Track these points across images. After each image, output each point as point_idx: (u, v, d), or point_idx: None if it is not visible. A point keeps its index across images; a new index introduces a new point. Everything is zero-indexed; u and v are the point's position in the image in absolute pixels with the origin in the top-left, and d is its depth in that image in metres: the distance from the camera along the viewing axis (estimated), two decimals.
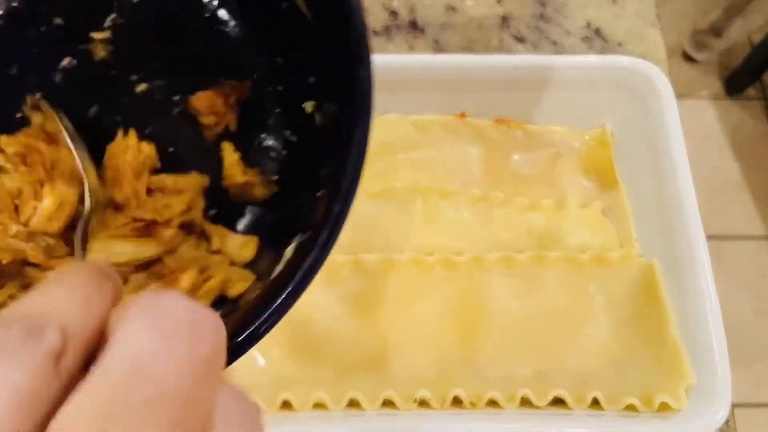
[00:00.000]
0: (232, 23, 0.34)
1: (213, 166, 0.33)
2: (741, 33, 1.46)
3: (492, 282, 0.51)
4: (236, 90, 0.33)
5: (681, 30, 1.55)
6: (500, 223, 0.54)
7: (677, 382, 0.45)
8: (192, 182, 0.32)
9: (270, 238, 0.31)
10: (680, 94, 0.52)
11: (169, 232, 0.30)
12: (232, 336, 0.24)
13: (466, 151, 0.56)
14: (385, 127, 0.56)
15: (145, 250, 0.30)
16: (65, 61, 0.33)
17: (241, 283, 0.30)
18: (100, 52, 0.34)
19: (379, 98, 0.56)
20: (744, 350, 1.29)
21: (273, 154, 0.33)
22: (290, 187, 0.32)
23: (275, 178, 0.32)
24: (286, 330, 0.49)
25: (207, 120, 0.33)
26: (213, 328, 0.18)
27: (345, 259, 0.50)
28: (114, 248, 0.29)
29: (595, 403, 0.46)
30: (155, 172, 0.32)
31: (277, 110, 0.33)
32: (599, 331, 0.49)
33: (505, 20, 0.65)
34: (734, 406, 0.46)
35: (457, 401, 0.47)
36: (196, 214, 0.32)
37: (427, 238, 0.52)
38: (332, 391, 0.46)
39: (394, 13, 0.64)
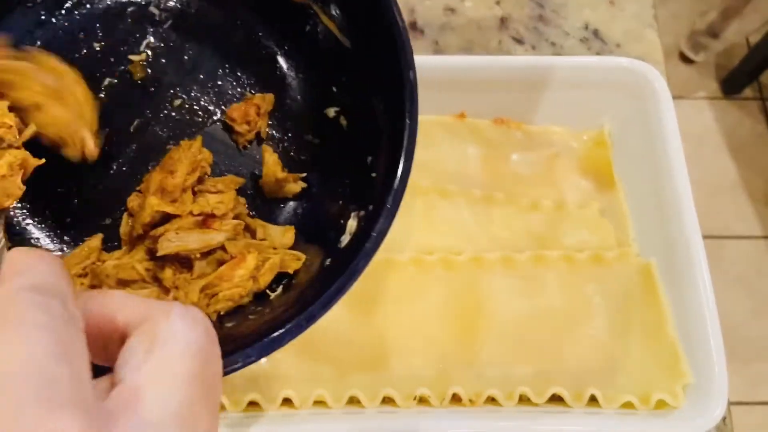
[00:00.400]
0: (264, 42, 0.38)
1: (247, 169, 0.37)
2: (738, 34, 1.47)
3: (491, 281, 0.51)
4: (264, 102, 0.37)
5: (678, 31, 1.55)
6: (499, 223, 0.54)
7: (674, 380, 0.46)
8: (230, 183, 0.35)
9: (301, 227, 0.36)
10: (677, 95, 0.52)
11: (229, 224, 0.34)
12: (330, 290, 0.29)
13: (466, 152, 0.57)
14: None
15: (213, 238, 0.33)
16: (106, 81, 0.37)
17: (295, 262, 0.34)
18: (139, 73, 0.37)
19: None
20: (740, 349, 1.29)
21: (300, 155, 0.37)
22: (317, 183, 0.36)
23: (303, 175, 0.37)
24: None
25: (241, 128, 0.37)
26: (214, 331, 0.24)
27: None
28: (186, 238, 0.33)
29: (593, 400, 0.46)
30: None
31: (302, 117, 0.38)
32: (597, 330, 0.50)
33: (503, 21, 0.65)
34: (731, 404, 0.47)
35: (456, 399, 0.47)
36: (241, 210, 0.35)
37: (427, 238, 0.53)
38: (333, 389, 0.46)
39: None
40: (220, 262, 0.34)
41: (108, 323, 0.24)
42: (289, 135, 0.38)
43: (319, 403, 0.46)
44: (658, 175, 0.51)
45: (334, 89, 0.37)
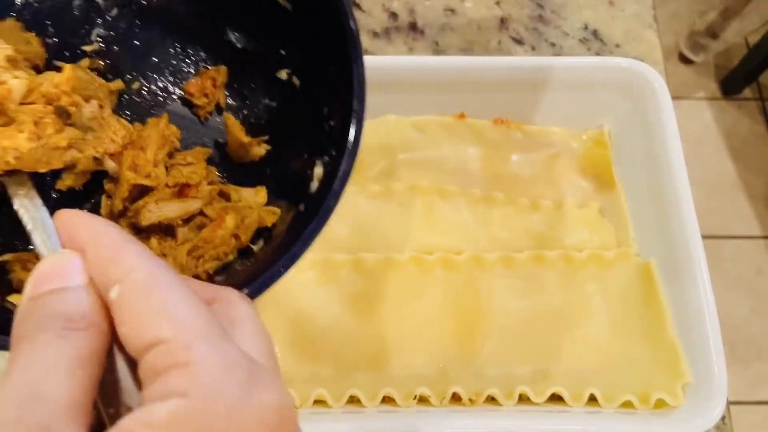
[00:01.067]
0: (209, 16, 0.40)
1: (212, 139, 0.39)
2: (737, 34, 1.47)
3: (491, 281, 0.51)
4: (219, 74, 0.39)
5: (678, 31, 1.55)
6: (499, 223, 0.54)
7: (674, 380, 0.46)
8: (198, 154, 0.37)
9: (272, 185, 0.38)
10: (677, 95, 0.52)
11: (204, 189, 0.36)
12: (302, 234, 0.31)
13: (466, 152, 0.57)
14: (384, 127, 0.56)
15: (191, 204, 0.36)
16: None
17: (271, 216, 0.36)
18: (95, 63, 0.39)
19: (379, 99, 0.56)
20: (740, 349, 1.30)
21: (259, 119, 0.39)
22: (281, 142, 0.38)
23: (266, 138, 0.38)
24: (287, 328, 0.49)
25: (200, 102, 0.39)
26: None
27: (345, 259, 0.51)
28: (165, 208, 0.35)
29: (593, 400, 0.46)
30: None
31: (256, 83, 0.40)
32: (597, 330, 0.50)
33: (503, 22, 0.65)
34: (730, 403, 0.47)
35: (456, 398, 0.47)
36: (213, 177, 0.38)
37: (427, 238, 0.53)
38: (332, 389, 0.46)
39: (393, 15, 0.65)
40: (201, 227, 0.36)
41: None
42: (247, 102, 0.40)
43: (319, 402, 0.46)
44: (658, 175, 0.51)
45: (283, 52, 0.38)
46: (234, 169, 0.39)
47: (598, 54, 0.64)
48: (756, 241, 1.41)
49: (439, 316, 0.50)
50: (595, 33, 0.65)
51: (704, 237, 0.48)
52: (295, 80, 0.38)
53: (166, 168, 0.36)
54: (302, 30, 0.37)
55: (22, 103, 0.30)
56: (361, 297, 0.50)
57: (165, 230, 0.36)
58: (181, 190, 0.36)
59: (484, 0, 0.66)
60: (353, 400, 0.47)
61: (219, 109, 0.40)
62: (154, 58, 0.39)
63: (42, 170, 0.30)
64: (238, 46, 0.40)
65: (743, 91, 1.54)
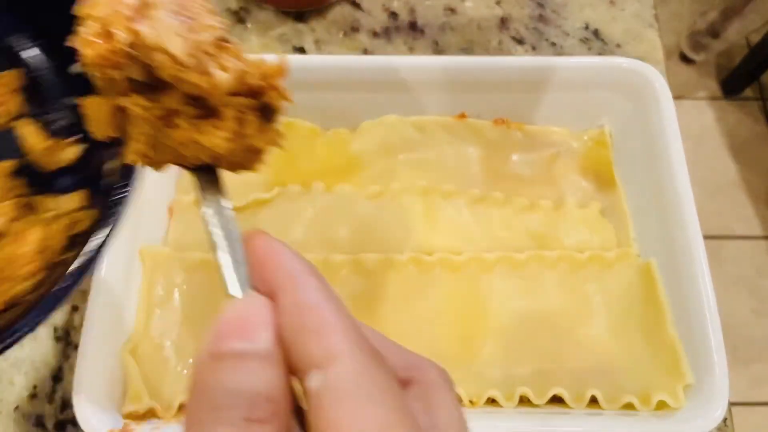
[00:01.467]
0: None
1: (16, 149, 0.36)
2: (738, 34, 1.47)
3: (491, 282, 0.51)
4: (11, 78, 0.36)
5: (679, 31, 1.55)
6: (499, 223, 0.54)
7: (675, 381, 0.45)
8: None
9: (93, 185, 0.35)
10: (678, 95, 0.52)
11: (4, 207, 0.33)
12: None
13: (466, 152, 0.57)
14: (385, 127, 0.56)
15: None
16: None
17: (86, 220, 0.33)
18: None
19: (379, 99, 0.56)
20: (741, 349, 1.29)
21: (66, 120, 0.36)
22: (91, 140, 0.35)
23: (77, 137, 0.35)
24: None
25: None
26: None
27: (345, 259, 0.51)
28: None
29: (594, 401, 0.46)
30: None
31: (56, 81, 0.37)
32: (597, 330, 0.50)
33: (504, 21, 0.65)
34: (731, 404, 0.47)
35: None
36: (18, 191, 0.35)
37: (427, 238, 0.53)
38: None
39: (393, 15, 0.65)
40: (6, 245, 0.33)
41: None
42: (47, 103, 0.37)
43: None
44: (659, 175, 0.51)
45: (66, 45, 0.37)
46: (51, 176, 0.36)
47: (598, 54, 0.64)
48: (757, 241, 1.41)
49: (439, 317, 0.50)
50: (595, 33, 0.65)
51: (705, 237, 0.47)
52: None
53: None
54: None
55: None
56: (361, 298, 0.50)
57: None
58: None
59: (485, 0, 0.66)
60: None
61: (18, 117, 0.37)
62: None
63: None
64: (18, 47, 0.37)
65: (744, 91, 1.54)
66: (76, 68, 0.31)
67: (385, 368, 0.19)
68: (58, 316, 0.52)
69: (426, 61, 0.54)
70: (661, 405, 0.45)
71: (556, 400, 0.47)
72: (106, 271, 0.46)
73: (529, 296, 0.51)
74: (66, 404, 0.50)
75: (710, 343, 0.45)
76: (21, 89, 0.36)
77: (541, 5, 0.66)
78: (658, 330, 0.48)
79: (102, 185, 0.33)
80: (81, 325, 0.44)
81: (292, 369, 0.19)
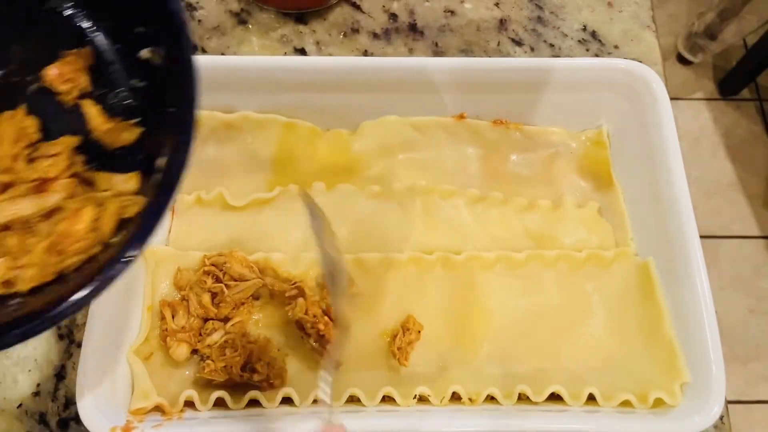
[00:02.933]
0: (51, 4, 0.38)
1: (81, 125, 0.38)
2: (735, 35, 1.47)
3: (490, 280, 0.51)
4: (80, 57, 0.38)
5: (676, 32, 1.55)
6: (498, 223, 0.54)
7: (672, 379, 0.46)
8: (63, 144, 0.36)
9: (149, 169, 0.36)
10: (675, 96, 0.53)
11: (63, 183, 0.35)
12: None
13: (465, 152, 0.57)
14: (384, 128, 0.56)
15: (47, 200, 0.35)
16: None
17: (134, 206, 0.35)
18: None
19: (379, 100, 0.57)
20: (738, 348, 1.30)
21: (128, 101, 0.38)
22: (153, 125, 0.37)
23: (136, 120, 0.37)
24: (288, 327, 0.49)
25: (62, 87, 0.38)
26: None
27: (345, 259, 0.51)
28: (17, 206, 0.34)
29: (592, 399, 0.46)
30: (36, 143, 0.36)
31: (121, 64, 0.38)
32: (595, 329, 0.50)
33: (503, 23, 0.65)
34: (728, 402, 0.47)
35: (455, 398, 0.47)
36: (78, 168, 0.36)
37: (427, 238, 0.53)
38: (332, 388, 0.46)
39: (393, 16, 0.65)
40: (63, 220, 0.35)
41: None
42: (113, 84, 0.38)
43: (319, 401, 0.46)
44: (656, 175, 0.51)
45: (142, 29, 0.37)
46: (110, 154, 0.37)
47: (596, 55, 0.65)
48: (754, 240, 1.41)
49: (438, 316, 0.50)
50: (593, 34, 0.66)
51: (702, 237, 0.48)
52: (157, 59, 0.37)
53: (32, 160, 0.35)
54: (149, 8, 0.35)
55: None
56: (362, 297, 0.51)
57: (27, 226, 0.35)
58: (41, 185, 0.35)
59: (484, 1, 0.66)
60: (353, 400, 0.47)
61: (85, 95, 0.38)
62: (10, 46, 0.38)
63: None
64: (90, 29, 0.38)
65: (741, 92, 1.54)
66: (143, 54, 0.36)
67: None
68: None
69: (425, 63, 0.54)
70: (659, 403, 0.46)
71: (555, 397, 0.47)
72: None
73: (528, 295, 0.51)
74: (69, 402, 0.50)
75: (707, 342, 0.45)
76: (88, 69, 0.38)
77: (539, 7, 0.66)
78: (655, 328, 0.49)
79: (153, 176, 0.35)
80: (84, 323, 0.45)
81: None
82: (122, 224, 0.35)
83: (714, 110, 1.53)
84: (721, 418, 0.50)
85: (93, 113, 0.37)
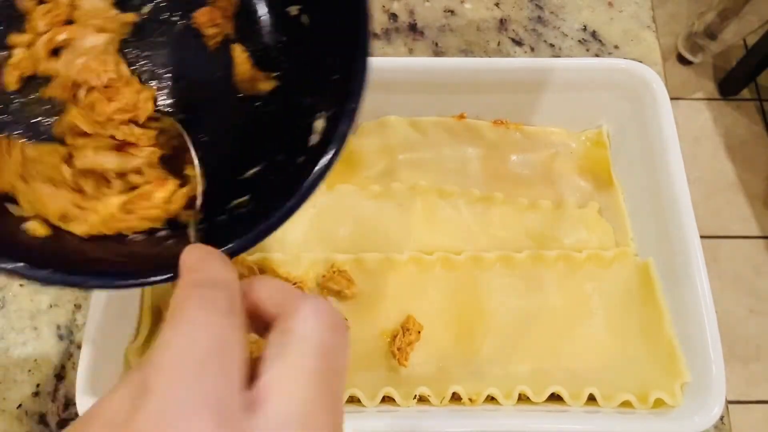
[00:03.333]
0: None
1: (221, 68, 0.39)
2: (735, 35, 1.47)
3: (490, 281, 0.51)
4: (228, 3, 0.39)
5: (676, 32, 1.55)
6: (499, 223, 0.54)
7: (672, 379, 0.46)
8: (169, 125, 0.37)
9: (269, 128, 0.38)
10: (675, 96, 0.53)
11: (147, 151, 0.36)
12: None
13: (465, 152, 0.57)
14: (385, 128, 0.56)
15: (130, 161, 0.36)
16: None
17: (186, 216, 0.36)
18: None
19: (379, 100, 0.57)
20: (738, 348, 1.30)
21: (268, 54, 0.39)
22: (287, 81, 0.38)
23: (276, 74, 0.38)
24: None
25: (210, 31, 0.39)
26: (345, 323, 0.27)
27: (345, 259, 0.51)
28: (103, 158, 0.35)
29: (592, 399, 0.46)
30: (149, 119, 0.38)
31: (265, 15, 0.40)
32: (596, 329, 0.50)
33: (503, 23, 0.65)
34: (729, 403, 0.47)
35: (455, 398, 0.47)
36: (161, 151, 0.37)
37: (427, 238, 0.53)
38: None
39: (393, 16, 0.65)
40: (134, 187, 0.36)
41: (259, 310, 0.26)
42: (256, 34, 0.39)
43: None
44: (657, 175, 0.51)
45: None
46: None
47: (596, 55, 0.65)
48: (754, 240, 1.41)
49: (438, 316, 0.50)
50: (593, 34, 0.66)
51: (702, 237, 0.48)
52: (305, 18, 0.38)
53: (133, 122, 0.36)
54: None
55: None
56: (361, 296, 0.51)
57: (102, 176, 0.36)
58: (122, 145, 0.36)
59: (484, 1, 0.66)
60: (353, 400, 0.47)
61: (228, 41, 0.39)
62: None
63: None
64: None
65: (741, 92, 1.54)
66: (292, 10, 0.38)
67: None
68: (61, 315, 0.52)
69: (426, 63, 0.54)
70: (659, 403, 0.46)
71: (555, 398, 0.47)
72: None
73: (528, 295, 0.51)
74: (69, 402, 0.50)
75: (707, 342, 0.45)
76: (234, 16, 0.39)
77: (539, 7, 0.66)
78: (655, 329, 0.49)
79: (284, 138, 0.36)
80: (84, 323, 0.45)
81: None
82: (190, 203, 0.35)
83: (714, 110, 1.53)
84: (722, 418, 0.50)
85: (242, 59, 0.38)
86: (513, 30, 0.65)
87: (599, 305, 0.51)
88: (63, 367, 0.51)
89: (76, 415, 0.43)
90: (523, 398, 0.47)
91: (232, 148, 0.39)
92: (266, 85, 0.38)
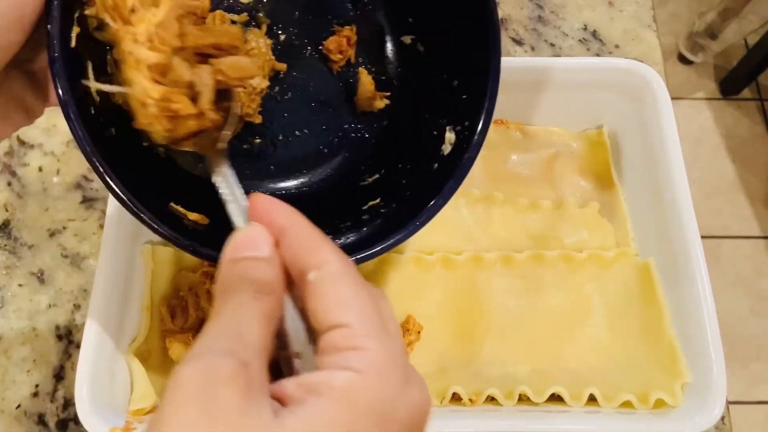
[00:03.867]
0: None
1: (343, 90, 0.45)
2: (736, 35, 1.47)
3: (491, 281, 0.51)
4: (352, 33, 0.45)
5: (677, 32, 1.55)
6: (499, 223, 0.54)
7: (673, 380, 0.46)
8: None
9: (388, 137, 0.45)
10: (676, 96, 0.53)
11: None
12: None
13: None
14: None
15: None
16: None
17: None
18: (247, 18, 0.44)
19: None
20: (739, 348, 1.30)
21: (382, 77, 0.46)
22: (399, 101, 0.45)
23: (387, 94, 0.45)
24: None
25: (336, 57, 0.45)
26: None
27: None
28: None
29: (592, 400, 0.46)
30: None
31: (382, 44, 0.46)
32: (596, 329, 0.50)
33: (503, 22, 0.65)
34: (729, 403, 0.47)
35: (456, 398, 0.47)
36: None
37: (427, 238, 0.53)
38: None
39: None
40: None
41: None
42: (373, 59, 0.46)
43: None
44: (657, 175, 0.51)
45: (410, 20, 0.45)
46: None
47: (597, 54, 0.64)
48: (755, 241, 1.41)
49: (438, 316, 0.50)
50: (594, 33, 0.66)
51: (703, 237, 0.48)
52: (420, 47, 0.45)
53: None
54: (436, 6, 0.42)
55: None
56: None
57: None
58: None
59: None
60: None
61: (350, 65, 0.45)
62: (296, 13, 0.45)
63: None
64: (367, 9, 0.46)
65: (742, 92, 1.54)
66: (405, 39, 0.45)
67: (358, 273, 0.27)
68: (60, 315, 0.52)
69: None
70: (660, 403, 0.46)
71: (555, 398, 0.47)
72: (107, 270, 0.46)
73: (529, 295, 0.51)
74: (68, 402, 0.50)
75: (708, 342, 0.45)
76: (356, 43, 0.45)
77: (540, 6, 0.66)
78: (656, 329, 0.48)
79: (413, 148, 0.43)
80: (83, 324, 0.45)
81: (292, 276, 0.27)
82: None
83: (715, 110, 1.53)
84: (722, 418, 0.50)
85: (367, 81, 0.44)
86: (513, 29, 0.65)
87: (600, 305, 0.51)
88: (62, 367, 0.51)
89: (75, 415, 0.43)
90: (523, 398, 0.47)
91: (349, 158, 0.45)
92: (380, 104, 0.45)
